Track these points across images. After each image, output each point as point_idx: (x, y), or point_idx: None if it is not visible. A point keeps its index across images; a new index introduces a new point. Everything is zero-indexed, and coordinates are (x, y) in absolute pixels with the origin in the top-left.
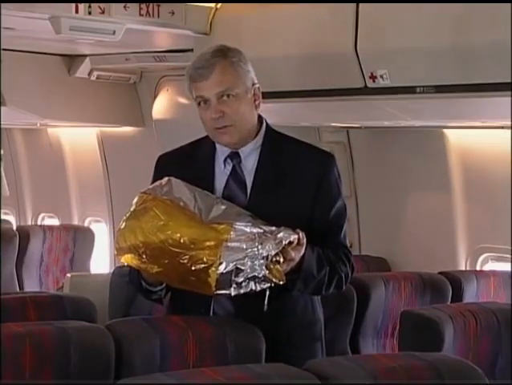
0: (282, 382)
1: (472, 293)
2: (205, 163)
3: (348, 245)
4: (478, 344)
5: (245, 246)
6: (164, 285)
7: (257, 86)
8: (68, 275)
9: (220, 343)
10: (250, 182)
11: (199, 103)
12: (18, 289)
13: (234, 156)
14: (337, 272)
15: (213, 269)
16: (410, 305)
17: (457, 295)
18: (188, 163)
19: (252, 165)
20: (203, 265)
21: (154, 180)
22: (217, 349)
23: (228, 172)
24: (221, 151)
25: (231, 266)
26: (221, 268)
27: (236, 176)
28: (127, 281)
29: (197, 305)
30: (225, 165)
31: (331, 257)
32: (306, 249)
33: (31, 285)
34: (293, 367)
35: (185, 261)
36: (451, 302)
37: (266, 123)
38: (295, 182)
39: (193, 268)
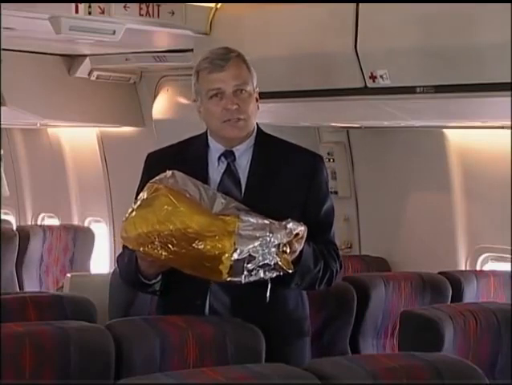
0: (282, 382)
1: (472, 293)
2: (198, 160)
3: (349, 245)
4: (478, 344)
5: (257, 234)
6: (159, 278)
7: (258, 90)
8: (68, 275)
9: (220, 343)
10: (245, 180)
11: (211, 96)
12: (18, 289)
13: (228, 155)
14: (329, 267)
15: (227, 255)
16: (410, 305)
17: (457, 295)
18: (179, 161)
19: (246, 164)
20: (217, 252)
21: (143, 178)
22: (217, 349)
23: (222, 170)
24: (215, 149)
25: (245, 253)
26: (236, 254)
27: (231, 173)
28: None
29: (193, 297)
30: (218, 163)
31: (324, 253)
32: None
33: (31, 285)
34: (293, 367)
35: (201, 247)
36: (451, 302)
37: (257, 125)
38: (287, 182)
39: (207, 253)
